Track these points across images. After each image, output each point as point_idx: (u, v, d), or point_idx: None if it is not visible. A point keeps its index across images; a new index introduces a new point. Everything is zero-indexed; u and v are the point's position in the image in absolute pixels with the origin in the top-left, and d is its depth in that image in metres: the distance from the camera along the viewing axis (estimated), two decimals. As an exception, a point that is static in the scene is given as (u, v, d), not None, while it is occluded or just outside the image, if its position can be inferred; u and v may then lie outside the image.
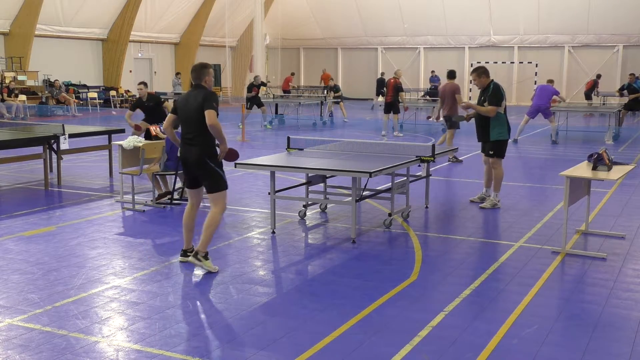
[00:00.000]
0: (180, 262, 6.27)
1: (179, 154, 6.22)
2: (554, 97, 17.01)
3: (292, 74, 33.32)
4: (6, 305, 5.10)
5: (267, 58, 37.45)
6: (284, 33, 37.64)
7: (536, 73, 32.18)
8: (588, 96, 27.28)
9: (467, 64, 34.34)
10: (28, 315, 4.91)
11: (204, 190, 6.15)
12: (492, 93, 8.63)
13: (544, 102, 16.62)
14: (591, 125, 22.59)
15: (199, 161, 5.92)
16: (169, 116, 6.26)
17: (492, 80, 8.81)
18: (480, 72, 8.81)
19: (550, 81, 17.44)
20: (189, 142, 5.97)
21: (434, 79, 30.44)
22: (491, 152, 8.84)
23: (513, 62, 34.15)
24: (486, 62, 33.65)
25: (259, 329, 4.74)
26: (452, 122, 12.74)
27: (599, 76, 28.49)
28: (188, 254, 6.22)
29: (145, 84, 11.92)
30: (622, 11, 30.97)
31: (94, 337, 4.54)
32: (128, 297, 5.34)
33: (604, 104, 25.77)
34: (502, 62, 33.98)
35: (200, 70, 6.03)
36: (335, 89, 24.32)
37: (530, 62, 33.51)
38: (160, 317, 4.90)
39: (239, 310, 5.09)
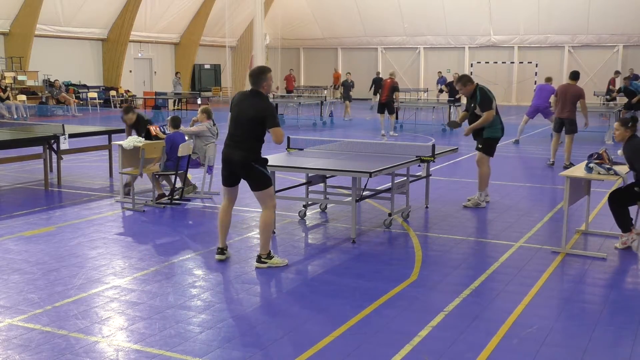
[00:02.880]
0: (218, 260, 6.27)
1: (222, 153, 6.12)
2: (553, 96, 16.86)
3: (291, 70, 33.10)
4: (6, 305, 5.10)
5: (267, 58, 37.39)
6: (284, 33, 37.62)
7: (536, 73, 32.16)
8: (611, 98, 25.92)
9: (467, 64, 34.35)
10: (28, 315, 4.91)
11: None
12: (482, 99, 8.60)
13: (543, 102, 16.52)
14: (591, 125, 22.50)
15: (245, 164, 5.96)
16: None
17: (477, 84, 8.76)
18: (465, 81, 8.74)
19: (549, 79, 17.22)
20: (237, 144, 5.98)
21: (441, 80, 29.52)
22: (480, 146, 8.82)
23: (513, 62, 34.13)
24: (486, 62, 33.78)
25: (259, 329, 4.75)
26: (572, 127, 12.52)
27: (617, 73, 27.04)
28: (225, 252, 6.34)
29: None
30: (622, 11, 30.92)
31: (94, 337, 4.54)
32: (128, 297, 5.34)
33: (604, 104, 25.57)
34: (502, 62, 33.99)
35: (257, 75, 5.96)
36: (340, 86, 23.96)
37: (530, 62, 33.51)
38: (160, 317, 4.90)
39: (239, 310, 5.09)
